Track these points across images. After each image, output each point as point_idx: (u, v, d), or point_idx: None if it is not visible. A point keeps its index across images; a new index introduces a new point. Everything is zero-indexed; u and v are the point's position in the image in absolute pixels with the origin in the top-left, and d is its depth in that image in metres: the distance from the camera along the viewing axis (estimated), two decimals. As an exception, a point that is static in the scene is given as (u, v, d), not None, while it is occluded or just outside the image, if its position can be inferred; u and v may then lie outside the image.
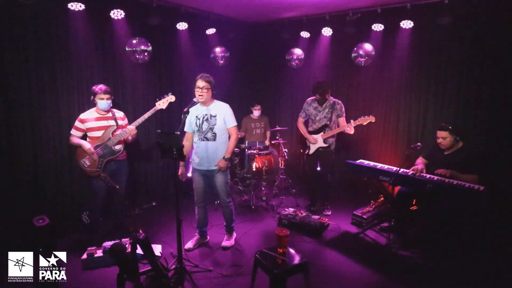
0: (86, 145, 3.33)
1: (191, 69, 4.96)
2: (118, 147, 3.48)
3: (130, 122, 3.60)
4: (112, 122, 3.48)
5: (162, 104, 3.47)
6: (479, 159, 3.23)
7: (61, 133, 3.79)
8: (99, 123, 3.43)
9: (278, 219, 4.07)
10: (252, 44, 5.94)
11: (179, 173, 3.28)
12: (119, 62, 4.25)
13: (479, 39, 3.94)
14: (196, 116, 3.26)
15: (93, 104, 3.45)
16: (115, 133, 3.46)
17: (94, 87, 3.40)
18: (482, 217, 3.71)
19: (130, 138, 3.53)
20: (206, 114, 3.23)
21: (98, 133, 3.41)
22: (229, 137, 3.37)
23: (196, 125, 3.26)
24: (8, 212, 3.43)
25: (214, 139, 3.24)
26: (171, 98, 3.50)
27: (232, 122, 3.32)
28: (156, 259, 2.66)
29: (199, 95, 3.13)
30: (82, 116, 3.41)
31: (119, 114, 3.60)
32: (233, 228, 3.65)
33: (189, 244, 3.48)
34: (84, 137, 3.43)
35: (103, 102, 3.39)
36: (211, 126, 3.22)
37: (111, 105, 3.51)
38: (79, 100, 3.91)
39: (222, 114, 3.25)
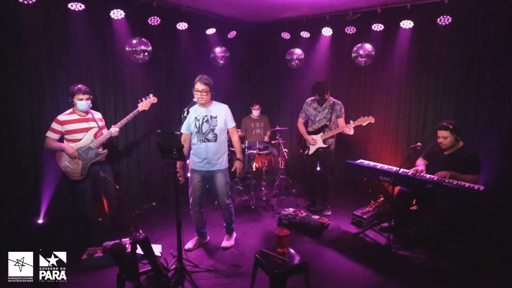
0: (70, 149, 3.21)
1: (191, 69, 4.96)
2: (100, 149, 3.44)
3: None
4: (93, 124, 3.40)
5: (144, 105, 3.49)
6: (479, 159, 3.23)
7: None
8: (79, 125, 3.31)
9: (278, 219, 4.07)
10: (252, 44, 5.94)
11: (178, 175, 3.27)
12: (119, 62, 4.24)
13: (479, 39, 3.94)
14: (196, 118, 3.23)
15: (71, 105, 3.33)
16: (97, 135, 3.40)
17: (72, 87, 3.27)
18: (482, 217, 3.71)
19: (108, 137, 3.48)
20: (206, 116, 3.22)
21: (79, 136, 3.30)
22: (229, 137, 3.37)
23: (196, 127, 3.23)
24: (8, 213, 3.43)
25: (215, 140, 3.24)
26: (153, 99, 3.53)
27: (232, 122, 3.34)
28: (156, 259, 2.66)
29: (199, 98, 3.12)
30: (61, 117, 3.25)
31: (97, 115, 3.51)
32: (233, 229, 3.65)
33: (189, 244, 3.48)
34: (60, 139, 3.31)
35: (82, 102, 3.27)
36: (212, 127, 3.22)
37: (91, 105, 3.40)
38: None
39: (223, 115, 3.26)
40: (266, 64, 6.10)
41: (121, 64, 4.27)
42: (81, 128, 3.32)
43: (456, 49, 4.15)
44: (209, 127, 3.22)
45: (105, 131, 3.49)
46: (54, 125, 3.24)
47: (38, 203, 3.53)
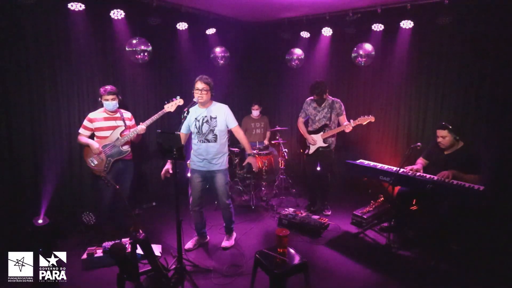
0: (94, 144, 3.37)
1: (191, 69, 4.96)
2: (125, 147, 3.52)
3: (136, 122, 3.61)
4: (121, 123, 3.52)
5: (170, 107, 3.48)
6: (479, 159, 3.22)
7: (61, 133, 3.79)
8: (107, 123, 3.47)
9: (278, 219, 4.07)
10: (252, 44, 5.94)
11: (166, 168, 3.24)
12: (119, 62, 4.24)
13: (479, 39, 3.94)
14: (196, 118, 3.24)
15: (102, 104, 3.47)
16: (123, 134, 3.49)
17: (100, 88, 3.44)
18: (482, 217, 3.71)
19: (135, 136, 3.53)
20: (206, 116, 3.23)
21: (106, 133, 3.45)
22: (228, 137, 3.39)
23: (196, 127, 3.24)
24: (8, 213, 3.43)
25: (215, 141, 3.24)
26: (179, 101, 3.51)
27: (233, 122, 3.33)
28: (156, 259, 2.66)
29: (199, 97, 3.13)
30: (91, 115, 3.45)
31: (126, 114, 3.63)
32: (232, 229, 3.65)
33: (189, 244, 3.48)
34: (91, 136, 3.47)
35: (108, 103, 3.42)
36: (211, 128, 3.22)
37: (117, 105, 3.52)
38: (79, 101, 3.91)
39: (223, 115, 3.25)
40: (266, 64, 6.10)
41: (121, 64, 4.27)
42: (108, 126, 3.46)
43: (456, 49, 4.15)
44: (209, 128, 3.22)
45: (133, 129, 3.54)
46: (85, 122, 3.45)
47: (38, 203, 3.54)
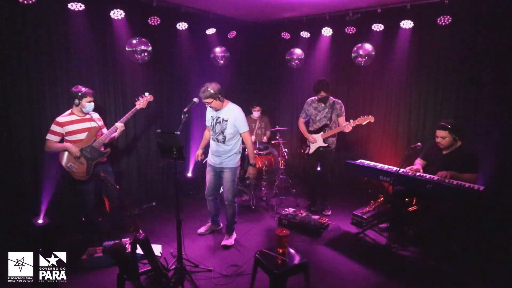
0: (73, 148, 3.20)
1: (191, 69, 4.96)
2: (103, 148, 3.46)
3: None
4: (94, 124, 3.40)
5: (141, 103, 3.54)
6: (477, 158, 3.23)
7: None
8: (81, 125, 3.31)
9: (278, 219, 4.07)
10: (252, 44, 5.94)
11: (197, 153, 3.67)
12: (119, 62, 4.24)
13: (479, 39, 3.94)
14: (211, 116, 3.37)
15: (71, 106, 3.32)
16: (98, 135, 3.41)
17: (79, 89, 3.24)
18: (482, 217, 3.71)
19: (116, 135, 3.51)
20: (219, 117, 3.31)
21: (81, 136, 3.29)
22: (239, 141, 3.45)
23: (211, 125, 3.39)
24: (8, 213, 3.43)
25: (224, 142, 3.32)
26: (149, 97, 3.60)
27: (243, 127, 3.33)
28: (156, 259, 2.67)
29: (210, 107, 3.26)
30: (60, 119, 3.22)
31: (95, 115, 3.50)
32: (233, 228, 3.66)
33: (201, 229, 3.68)
34: (60, 142, 3.28)
35: (91, 104, 3.31)
36: (222, 129, 3.29)
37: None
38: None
39: (232, 119, 3.27)
40: (266, 64, 6.10)
41: (121, 64, 4.27)
42: (82, 128, 3.32)
43: (456, 49, 4.15)
44: (220, 129, 3.29)
45: (104, 130, 3.50)
46: (54, 127, 3.21)
47: (38, 203, 3.54)
